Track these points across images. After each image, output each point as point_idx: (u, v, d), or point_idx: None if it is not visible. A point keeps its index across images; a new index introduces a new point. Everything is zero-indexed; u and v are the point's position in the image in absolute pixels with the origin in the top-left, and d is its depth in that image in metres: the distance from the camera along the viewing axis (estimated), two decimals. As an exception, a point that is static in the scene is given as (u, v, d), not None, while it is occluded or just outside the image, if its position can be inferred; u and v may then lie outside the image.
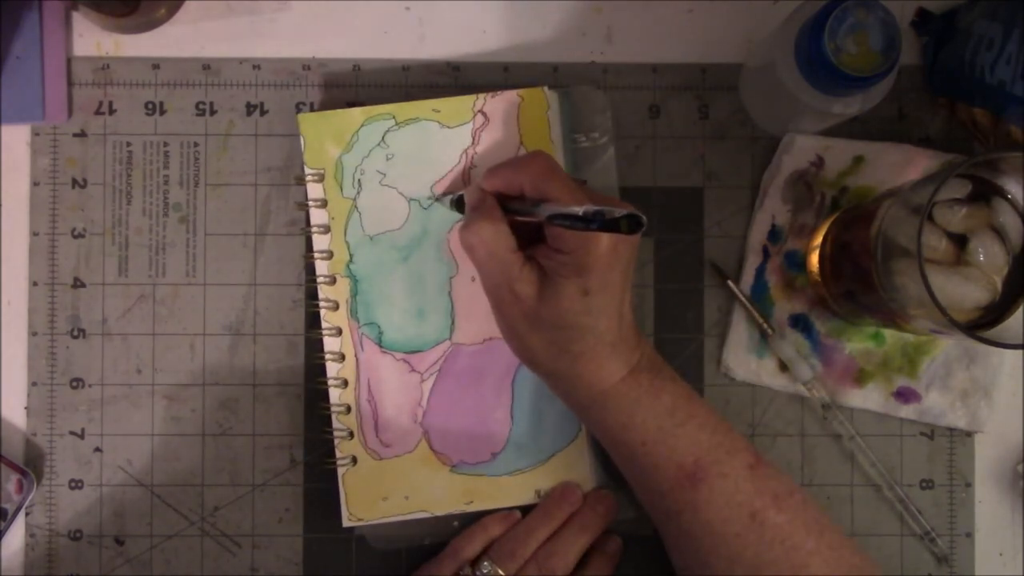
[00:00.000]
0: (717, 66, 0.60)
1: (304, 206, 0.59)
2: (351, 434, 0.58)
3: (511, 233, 0.51)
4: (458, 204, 0.56)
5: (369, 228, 0.58)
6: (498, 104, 0.58)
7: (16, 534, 0.59)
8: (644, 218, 0.43)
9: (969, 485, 0.60)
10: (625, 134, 0.60)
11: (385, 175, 0.58)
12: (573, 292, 0.50)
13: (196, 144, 0.60)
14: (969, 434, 0.60)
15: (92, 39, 0.60)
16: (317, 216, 0.58)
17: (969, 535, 0.60)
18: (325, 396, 0.58)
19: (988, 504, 0.60)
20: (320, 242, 0.58)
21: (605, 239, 0.49)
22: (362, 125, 0.58)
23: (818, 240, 0.58)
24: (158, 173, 0.60)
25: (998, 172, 0.51)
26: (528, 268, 0.51)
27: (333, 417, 0.58)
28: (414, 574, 0.57)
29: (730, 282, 0.60)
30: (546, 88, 0.58)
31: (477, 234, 0.51)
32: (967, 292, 0.50)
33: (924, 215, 0.46)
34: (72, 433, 0.59)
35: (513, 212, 0.52)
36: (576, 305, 0.50)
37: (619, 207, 0.44)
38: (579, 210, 0.45)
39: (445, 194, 0.57)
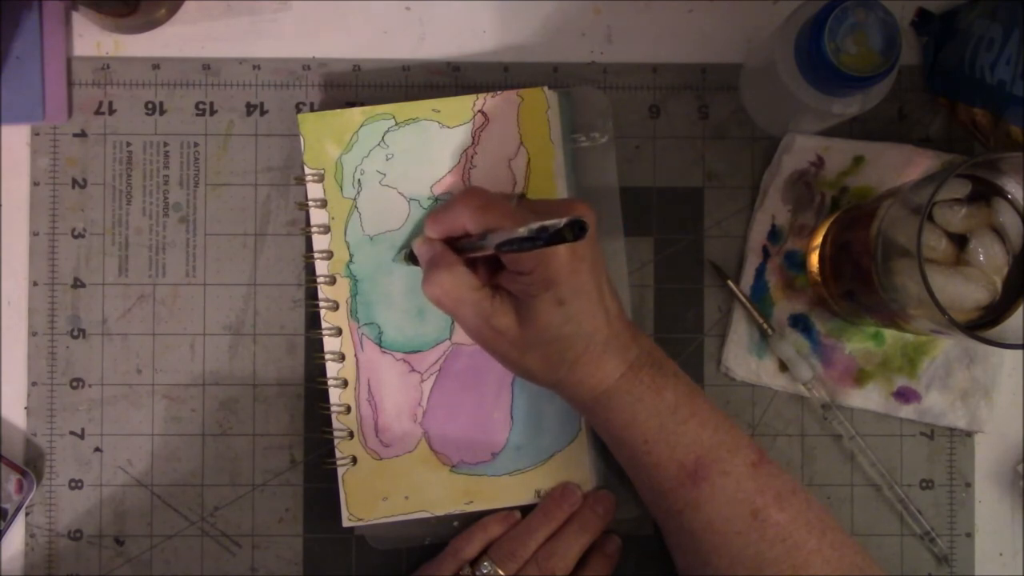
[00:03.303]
0: (717, 66, 0.60)
1: (304, 206, 0.59)
2: (351, 434, 0.58)
3: (471, 273, 0.51)
4: (411, 258, 0.56)
5: (369, 228, 0.58)
6: (498, 104, 0.58)
7: (16, 534, 0.59)
8: (585, 221, 0.43)
9: (969, 485, 0.60)
10: (625, 134, 0.60)
11: (385, 175, 0.58)
12: (549, 307, 0.50)
13: (196, 144, 0.60)
14: (969, 434, 0.60)
15: (92, 39, 0.60)
16: (317, 216, 0.58)
17: (969, 535, 0.60)
18: (325, 396, 0.58)
19: (988, 504, 0.60)
20: (320, 242, 0.58)
21: (561, 247, 0.49)
22: (362, 125, 0.58)
23: (818, 240, 0.58)
24: (158, 173, 0.60)
25: (998, 172, 0.51)
26: (499, 300, 0.51)
27: (333, 417, 0.58)
28: (414, 574, 0.57)
29: (730, 282, 0.60)
30: (546, 88, 0.58)
31: (439, 285, 0.51)
32: (967, 292, 0.50)
33: (924, 215, 0.46)
34: (72, 433, 0.59)
35: (465, 251, 0.52)
36: (555, 318, 0.50)
37: (562, 211, 0.44)
38: (523, 231, 0.45)
39: (400, 249, 0.57)
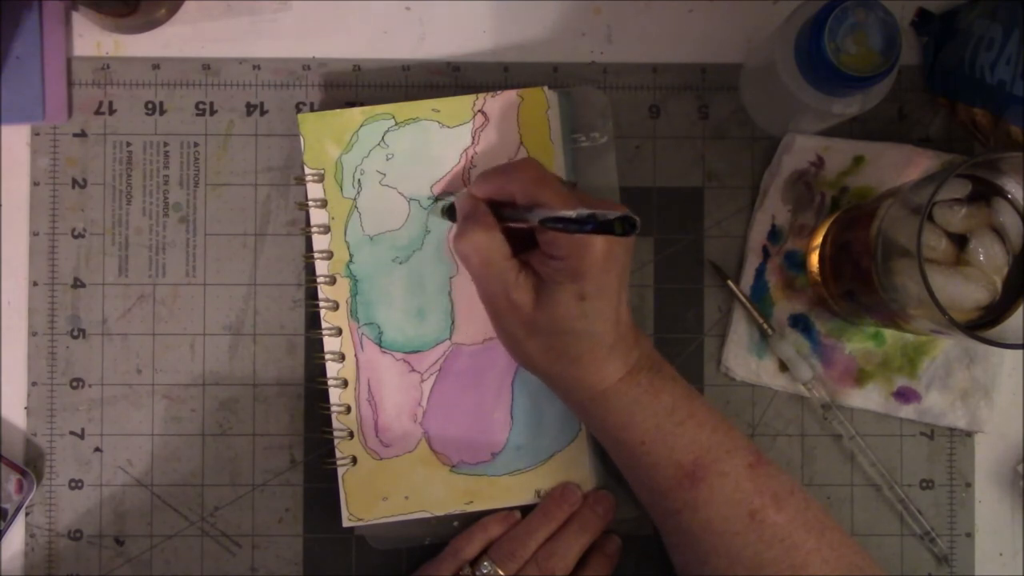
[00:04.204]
0: (717, 66, 0.60)
1: (304, 206, 0.59)
2: (351, 434, 0.58)
3: (505, 240, 0.51)
4: (449, 212, 0.56)
5: (369, 228, 0.58)
6: (498, 104, 0.58)
7: (16, 534, 0.59)
8: (637, 219, 0.43)
9: (969, 485, 0.60)
10: (625, 134, 0.60)
11: (385, 175, 0.58)
12: (569, 298, 0.50)
13: (196, 144, 0.60)
14: (969, 434, 0.60)
15: (92, 39, 0.60)
16: (317, 216, 0.58)
17: (969, 535, 0.60)
18: (325, 396, 0.58)
19: (988, 504, 0.60)
20: (320, 242, 0.58)
21: (599, 243, 0.49)
22: (362, 125, 0.58)
23: (818, 240, 0.58)
24: (158, 173, 0.60)
25: (998, 172, 0.51)
26: (524, 275, 0.51)
27: (333, 417, 0.58)
28: (414, 574, 0.57)
29: (730, 282, 0.60)
30: (546, 88, 0.58)
31: (472, 242, 0.51)
32: (967, 292, 0.50)
33: (924, 215, 0.46)
34: (72, 433, 0.59)
35: (505, 219, 0.52)
36: (573, 311, 0.50)
37: (611, 209, 0.44)
38: (572, 213, 0.45)
39: (437, 199, 0.57)
